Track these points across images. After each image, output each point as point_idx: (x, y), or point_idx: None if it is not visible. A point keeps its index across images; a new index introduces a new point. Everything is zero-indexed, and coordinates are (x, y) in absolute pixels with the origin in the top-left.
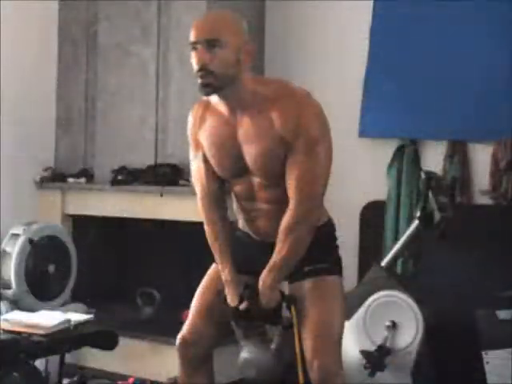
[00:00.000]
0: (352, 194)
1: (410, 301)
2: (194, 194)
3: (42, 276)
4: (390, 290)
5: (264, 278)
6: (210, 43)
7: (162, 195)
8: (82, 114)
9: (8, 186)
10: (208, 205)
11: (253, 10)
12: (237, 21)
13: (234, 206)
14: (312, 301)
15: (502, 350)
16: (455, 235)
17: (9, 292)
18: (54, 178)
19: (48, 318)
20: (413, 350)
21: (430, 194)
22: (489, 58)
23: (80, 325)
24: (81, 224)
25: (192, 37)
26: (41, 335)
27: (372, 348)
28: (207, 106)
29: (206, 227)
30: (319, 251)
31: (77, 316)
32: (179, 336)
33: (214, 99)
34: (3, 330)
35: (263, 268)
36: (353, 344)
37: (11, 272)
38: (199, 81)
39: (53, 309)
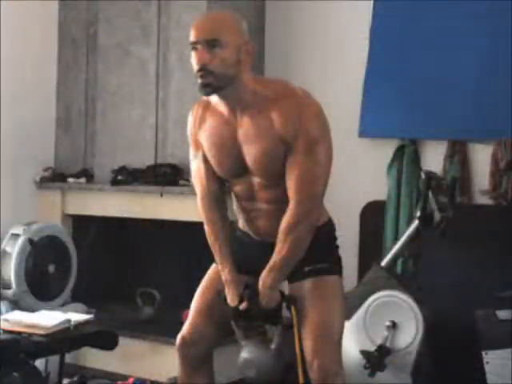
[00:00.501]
0: (352, 193)
1: (410, 301)
2: (194, 193)
3: (42, 276)
4: (390, 289)
5: (264, 278)
6: (209, 43)
7: (161, 195)
8: (82, 113)
9: (8, 185)
10: (208, 205)
11: (253, 10)
12: (237, 21)
13: (234, 206)
14: (312, 301)
15: (502, 350)
16: (455, 235)
17: (9, 292)
18: (54, 178)
19: (48, 318)
20: (413, 350)
21: (430, 194)
22: (489, 58)
23: (80, 325)
24: (81, 224)
25: (192, 37)
26: (41, 335)
27: (372, 348)
28: (207, 106)
29: (205, 227)
30: (319, 251)
31: (77, 316)
32: (179, 336)
33: (214, 99)
34: (3, 329)
35: (263, 268)
36: (353, 344)
37: (11, 272)
38: (199, 81)
39: (53, 309)
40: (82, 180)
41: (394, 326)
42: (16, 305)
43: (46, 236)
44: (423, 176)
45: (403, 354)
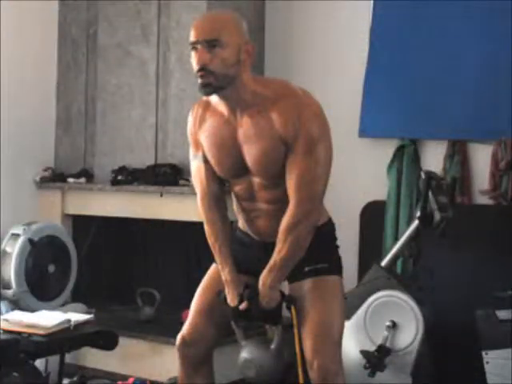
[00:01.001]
0: (352, 193)
1: (410, 301)
2: (194, 193)
3: (42, 276)
4: (390, 289)
5: (264, 278)
6: (210, 43)
7: (161, 195)
8: (82, 113)
9: (8, 185)
10: (208, 205)
11: (253, 10)
12: (237, 21)
13: (234, 206)
14: (312, 301)
15: (502, 350)
16: (455, 235)
17: (9, 292)
18: (54, 178)
19: (48, 318)
20: (413, 349)
21: (430, 194)
22: (488, 58)
23: (80, 325)
24: (81, 224)
25: (192, 37)
26: (41, 335)
27: (372, 348)
28: (207, 106)
29: (205, 227)
30: (319, 251)
31: (77, 316)
32: (179, 336)
33: (214, 99)
34: (3, 329)
35: (263, 268)
36: (353, 344)
37: (11, 272)
38: (199, 81)
39: (53, 309)
40: (82, 180)
41: (394, 325)
42: (16, 305)
43: (46, 236)
44: (423, 176)
45: (403, 354)
